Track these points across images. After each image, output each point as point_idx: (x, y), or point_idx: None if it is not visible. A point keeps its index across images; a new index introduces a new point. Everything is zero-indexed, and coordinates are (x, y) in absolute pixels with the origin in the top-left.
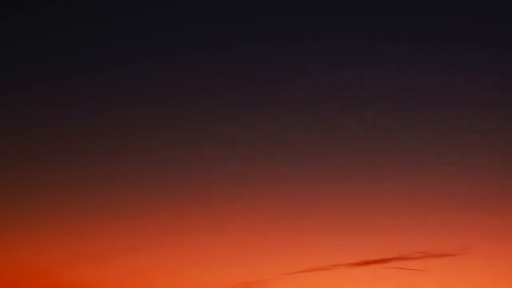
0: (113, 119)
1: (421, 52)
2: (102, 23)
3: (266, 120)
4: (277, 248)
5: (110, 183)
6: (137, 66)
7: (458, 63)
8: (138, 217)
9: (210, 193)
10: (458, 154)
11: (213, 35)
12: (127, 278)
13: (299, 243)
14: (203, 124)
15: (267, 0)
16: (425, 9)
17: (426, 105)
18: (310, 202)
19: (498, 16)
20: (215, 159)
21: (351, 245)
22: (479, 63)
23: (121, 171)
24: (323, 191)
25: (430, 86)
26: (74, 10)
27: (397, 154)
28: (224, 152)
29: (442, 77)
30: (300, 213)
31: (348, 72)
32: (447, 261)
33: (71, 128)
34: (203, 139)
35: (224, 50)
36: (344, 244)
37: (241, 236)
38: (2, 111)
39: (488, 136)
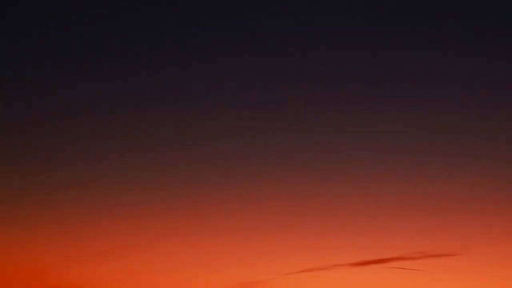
0: (113, 119)
1: (420, 51)
2: (102, 23)
3: (266, 120)
4: (277, 248)
5: (110, 183)
6: (137, 66)
7: (458, 62)
8: (138, 217)
9: (210, 193)
10: (457, 154)
11: (213, 35)
12: (127, 278)
13: (299, 243)
14: (203, 124)
15: (267, 0)
16: (424, 8)
17: (425, 105)
18: (310, 202)
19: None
20: (215, 159)
21: (351, 245)
22: (479, 63)
23: (121, 171)
24: (323, 191)
25: (430, 86)
26: (74, 10)
27: (397, 154)
28: (224, 152)
29: (442, 77)
30: (300, 213)
31: (348, 72)
32: (447, 261)
33: (71, 128)
34: (203, 140)
35: (223, 50)
36: (344, 244)
37: (241, 236)
38: (2, 111)
39: (488, 136)
